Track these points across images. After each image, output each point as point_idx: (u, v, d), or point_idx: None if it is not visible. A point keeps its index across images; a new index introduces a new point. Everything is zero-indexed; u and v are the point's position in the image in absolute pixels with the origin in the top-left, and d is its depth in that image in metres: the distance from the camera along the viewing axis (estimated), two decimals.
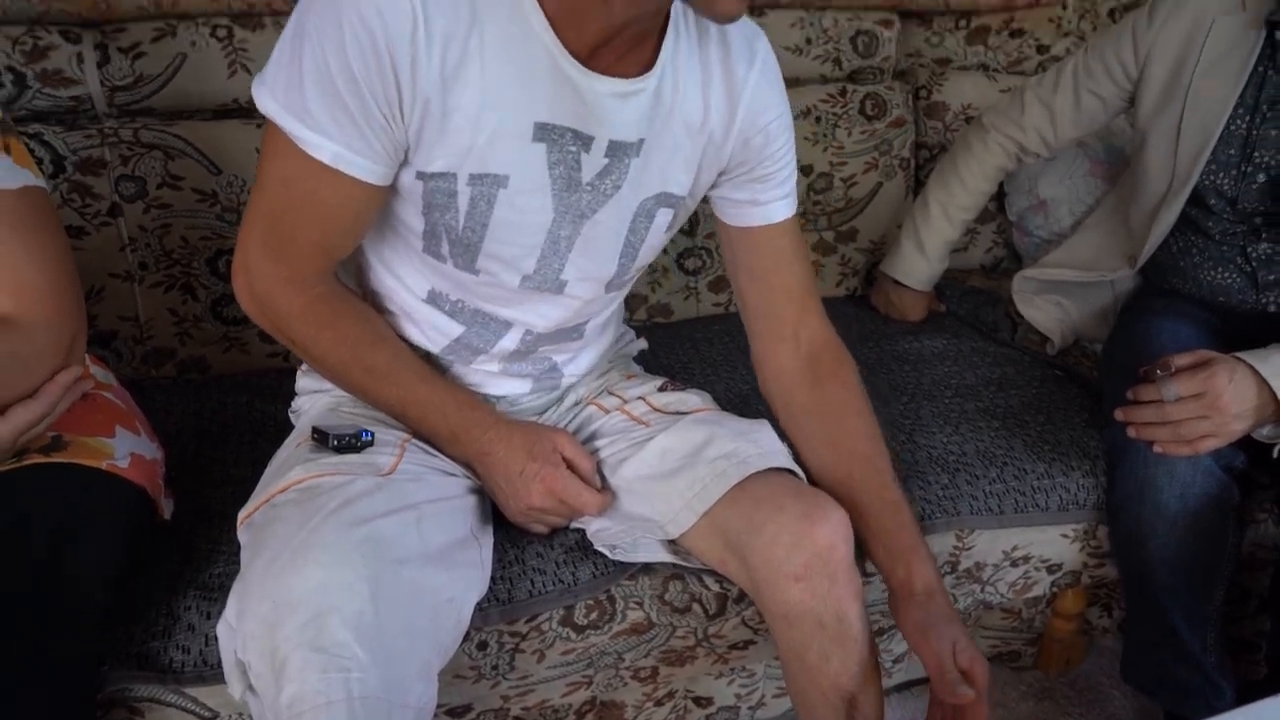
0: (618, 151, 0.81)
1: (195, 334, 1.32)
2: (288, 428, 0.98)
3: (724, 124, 0.86)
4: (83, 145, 1.24)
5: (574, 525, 0.95)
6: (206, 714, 0.86)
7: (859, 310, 1.55)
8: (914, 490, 1.07)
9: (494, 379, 0.95)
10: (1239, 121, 1.16)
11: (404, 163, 0.78)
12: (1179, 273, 1.28)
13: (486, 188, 0.79)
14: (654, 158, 0.84)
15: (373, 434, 0.84)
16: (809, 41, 1.53)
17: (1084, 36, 1.66)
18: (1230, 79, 1.14)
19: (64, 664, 0.73)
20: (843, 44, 1.56)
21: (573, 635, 0.94)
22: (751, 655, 1.06)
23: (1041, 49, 1.67)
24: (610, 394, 1.01)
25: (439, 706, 0.83)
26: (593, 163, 0.81)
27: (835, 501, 0.84)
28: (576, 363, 1.00)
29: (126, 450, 0.88)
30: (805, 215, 1.55)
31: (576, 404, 1.02)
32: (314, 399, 0.97)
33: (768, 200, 0.92)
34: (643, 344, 1.16)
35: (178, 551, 0.93)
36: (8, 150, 0.82)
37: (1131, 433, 1.03)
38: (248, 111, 1.32)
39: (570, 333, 0.96)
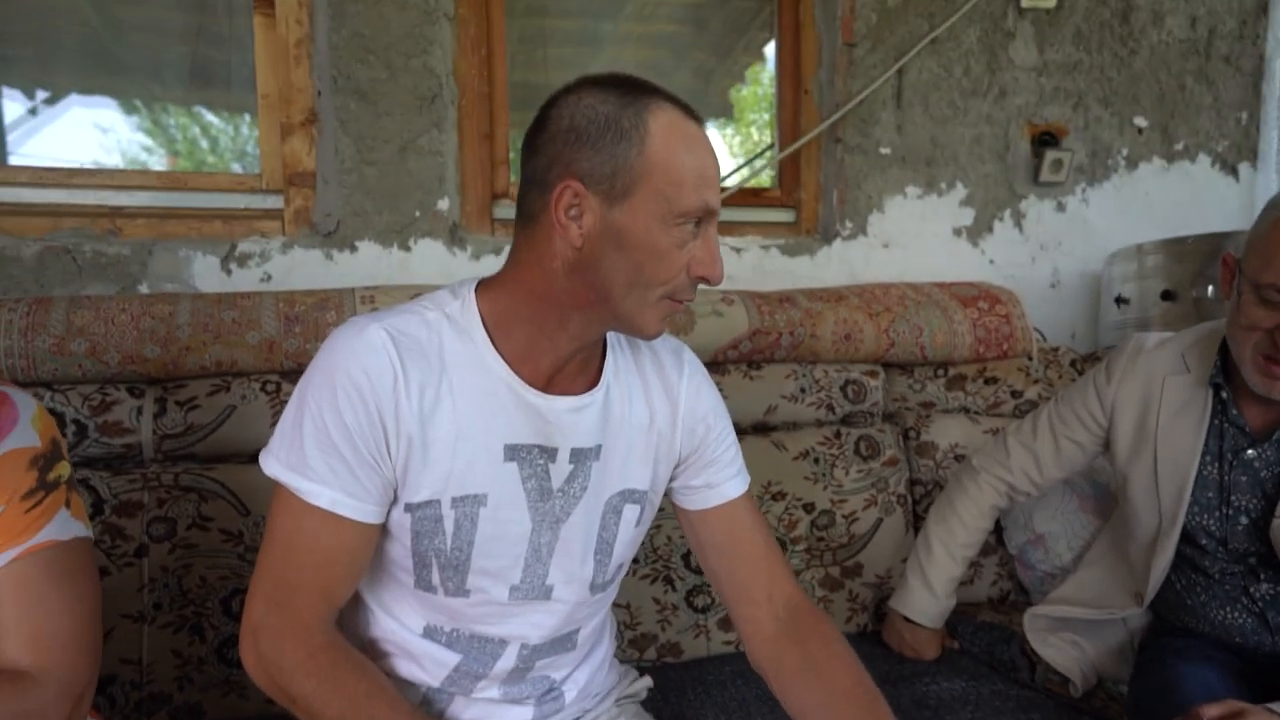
0: (579, 457, 0.91)
1: (196, 677, 1.28)
2: None
3: (669, 420, 0.98)
4: (124, 489, 1.31)
5: None
6: None
7: (872, 648, 1.52)
8: None
9: (496, 708, 0.95)
10: (1210, 467, 1.24)
11: (393, 501, 0.87)
12: (1189, 611, 1.29)
13: (469, 508, 0.87)
14: (612, 458, 0.94)
15: None
16: (803, 390, 1.68)
17: (1052, 383, 1.82)
18: (1191, 430, 1.24)
19: None
20: (834, 392, 1.70)
21: None
22: None
23: (1015, 394, 1.82)
24: None
25: None
26: (560, 470, 0.91)
27: None
28: (575, 679, 1.00)
29: None
30: (810, 551, 1.59)
31: None
32: None
33: (721, 480, 1.01)
34: (647, 681, 1.14)
35: None
36: (68, 504, 0.88)
37: None
38: None
39: (564, 643, 0.97)
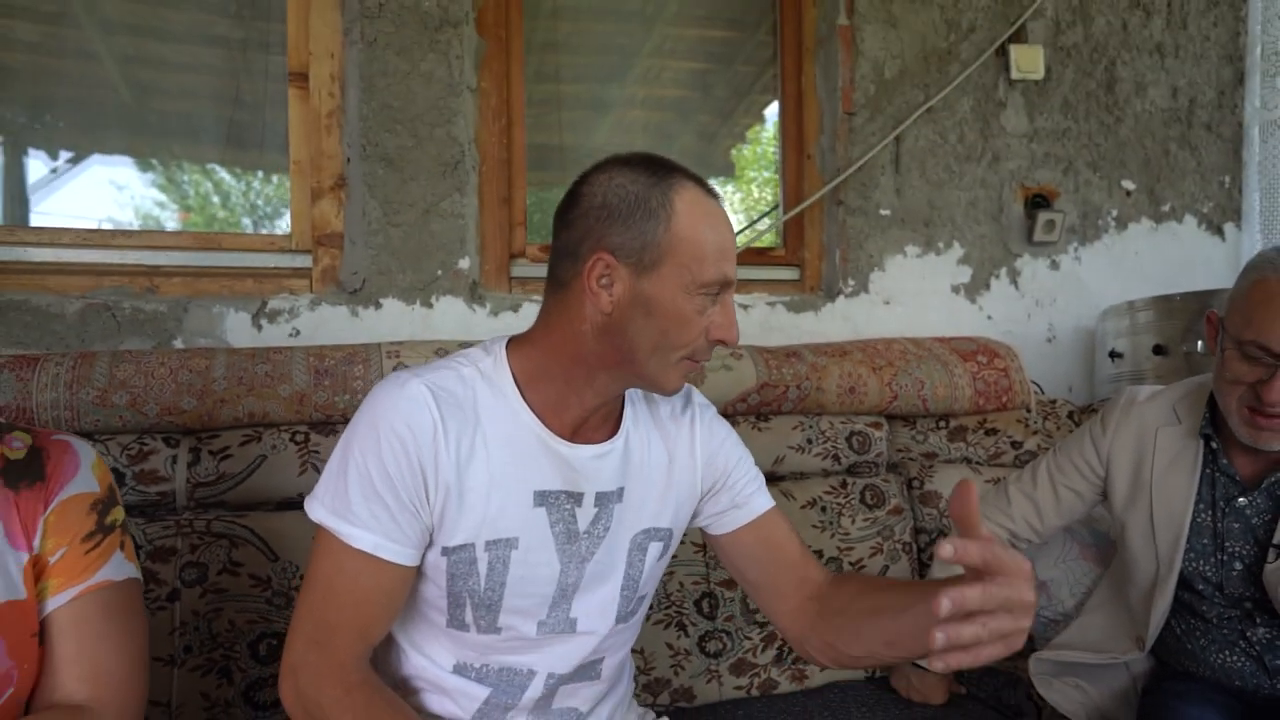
0: (603, 500, 0.98)
1: None
2: None
3: (689, 458, 1.05)
4: (159, 535, 1.36)
5: None
6: None
7: (880, 693, 1.55)
8: None
9: None
10: (1203, 515, 1.29)
11: (429, 545, 0.92)
12: (1189, 655, 1.32)
13: (501, 550, 0.93)
14: (633, 500, 1.00)
15: None
16: (810, 441, 1.74)
17: (1051, 434, 1.88)
18: (1184, 479, 1.30)
19: None
20: (840, 442, 1.76)
21: None
22: None
23: (1015, 444, 1.88)
24: None
25: None
26: (585, 513, 0.97)
27: None
28: (598, 713, 1.04)
29: None
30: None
31: None
32: None
33: (746, 499, 1.07)
34: None
35: None
36: (122, 546, 0.93)
37: None
38: None
39: (590, 671, 1.02)
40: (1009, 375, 1.88)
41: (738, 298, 2.06)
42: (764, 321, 2.07)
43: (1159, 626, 1.32)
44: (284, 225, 1.92)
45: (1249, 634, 1.26)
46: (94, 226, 1.84)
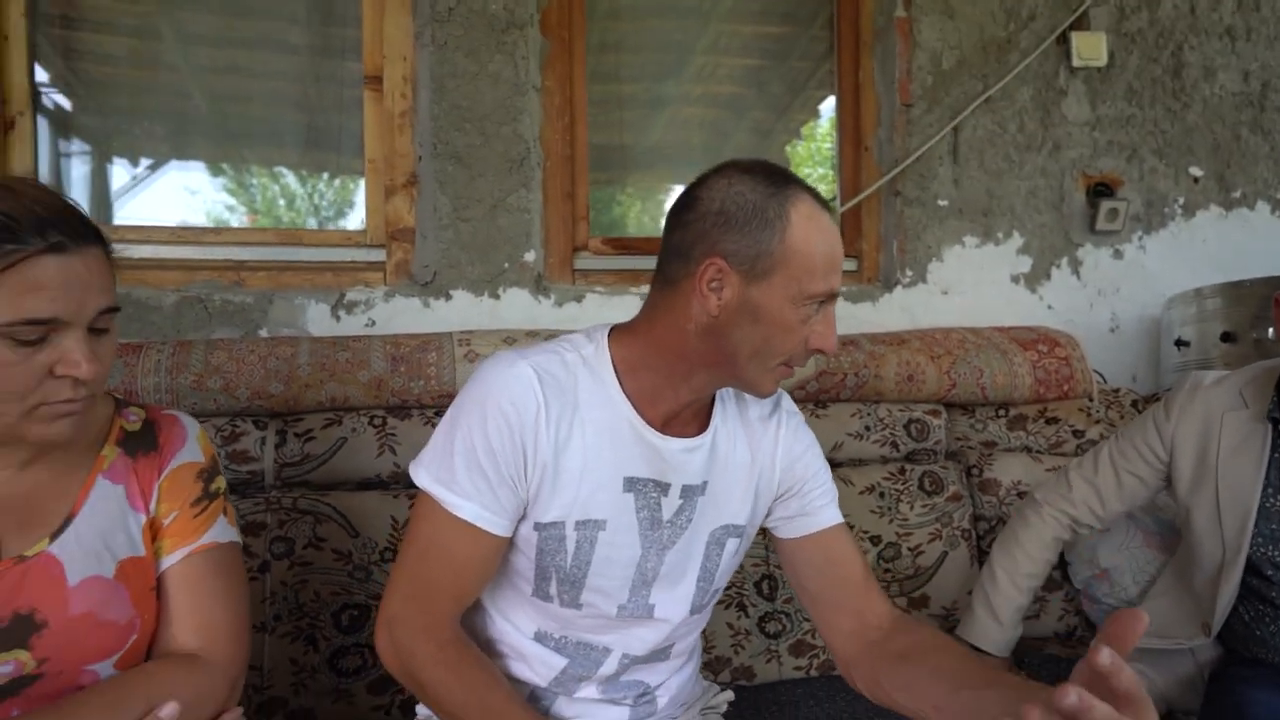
0: (689, 493, 1.01)
1: (310, 684, 1.40)
2: None
3: (770, 459, 1.07)
4: (250, 511, 1.46)
5: None
6: None
7: None
8: None
9: (596, 707, 1.04)
10: (1272, 500, 1.27)
11: (522, 518, 0.97)
12: (1258, 642, 1.31)
13: (589, 531, 0.97)
14: (716, 495, 1.03)
15: None
16: (868, 429, 1.76)
17: (1114, 424, 1.86)
18: (1252, 464, 1.29)
19: None
20: (898, 430, 1.78)
21: None
22: None
23: (1077, 434, 1.87)
24: None
25: None
26: (670, 504, 1.00)
27: None
28: (668, 686, 1.09)
29: None
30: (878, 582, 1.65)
31: None
32: None
33: (816, 509, 1.08)
34: (729, 695, 1.22)
35: None
36: (225, 513, 1.02)
37: None
38: (385, 484, 1.56)
39: (662, 654, 1.06)
40: (1070, 364, 1.87)
41: None
42: None
43: (1225, 612, 1.31)
44: (347, 225, 2.02)
45: None
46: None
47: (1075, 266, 2.22)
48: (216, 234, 1.89)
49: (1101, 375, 2.10)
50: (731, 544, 1.06)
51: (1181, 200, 2.28)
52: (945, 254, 2.16)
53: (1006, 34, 2.17)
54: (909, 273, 2.14)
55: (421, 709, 1.08)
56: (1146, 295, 2.24)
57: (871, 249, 2.21)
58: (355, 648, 1.42)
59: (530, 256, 1.92)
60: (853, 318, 2.10)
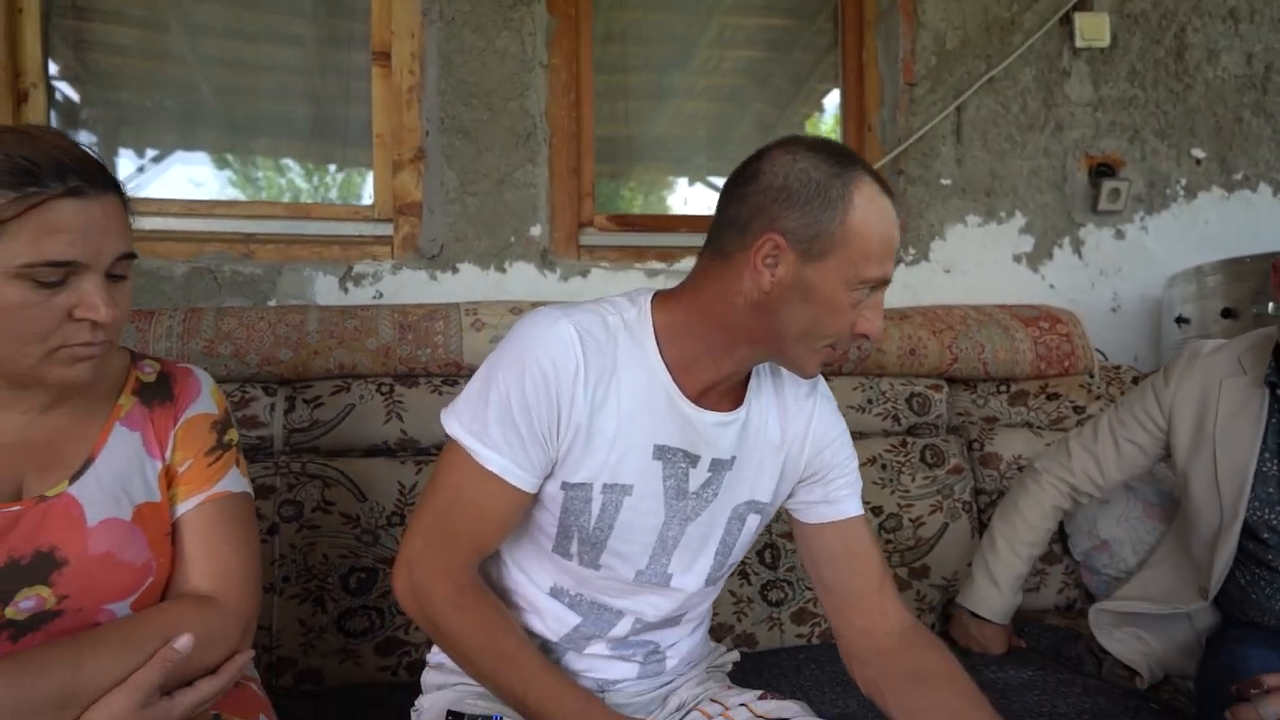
0: (718, 467, 1.01)
1: (318, 645, 1.43)
2: None
3: (799, 441, 1.06)
4: (259, 475, 1.47)
5: None
6: None
7: None
8: None
9: (604, 662, 1.05)
10: (1270, 464, 1.29)
11: (550, 475, 0.97)
12: (1254, 605, 1.33)
13: (615, 495, 0.97)
14: (744, 471, 1.03)
15: (503, 718, 0.92)
16: (870, 401, 1.78)
17: (1115, 400, 1.88)
18: (1249, 429, 1.30)
19: None
20: (899, 404, 1.80)
21: None
22: None
23: (1078, 410, 1.88)
24: (713, 701, 1.08)
25: None
26: (698, 476, 1.00)
27: None
28: (678, 648, 1.10)
29: None
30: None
31: (680, 708, 1.08)
32: (437, 697, 1.06)
33: (839, 498, 1.08)
34: (735, 656, 1.23)
35: None
36: (238, 464, 1.04)
37: None
38: (393, 451, 1.57)
39: (673, 620, 1.07)
40: (1071, 340, 1.88)
41: None
42: None
43: (1222, 575, 1.33)
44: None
45: None
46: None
47: (1077, 246, 2.24)
48: (227, 207, 1.91)
49: (1103, 353, 2.11)
50: (753, 520, 1.06)
51: (1183, 181, 2.29)
52: (948, 233, 2.17)
53: (1010, 14, 2.18)
54: (912, 251, 2.16)
55: (432, 657, 1.10)
56: (1148, 275, 2.26)
57: None
58: (363, 609, 1.44)
59: (536, 231, 1.94)
60: None
